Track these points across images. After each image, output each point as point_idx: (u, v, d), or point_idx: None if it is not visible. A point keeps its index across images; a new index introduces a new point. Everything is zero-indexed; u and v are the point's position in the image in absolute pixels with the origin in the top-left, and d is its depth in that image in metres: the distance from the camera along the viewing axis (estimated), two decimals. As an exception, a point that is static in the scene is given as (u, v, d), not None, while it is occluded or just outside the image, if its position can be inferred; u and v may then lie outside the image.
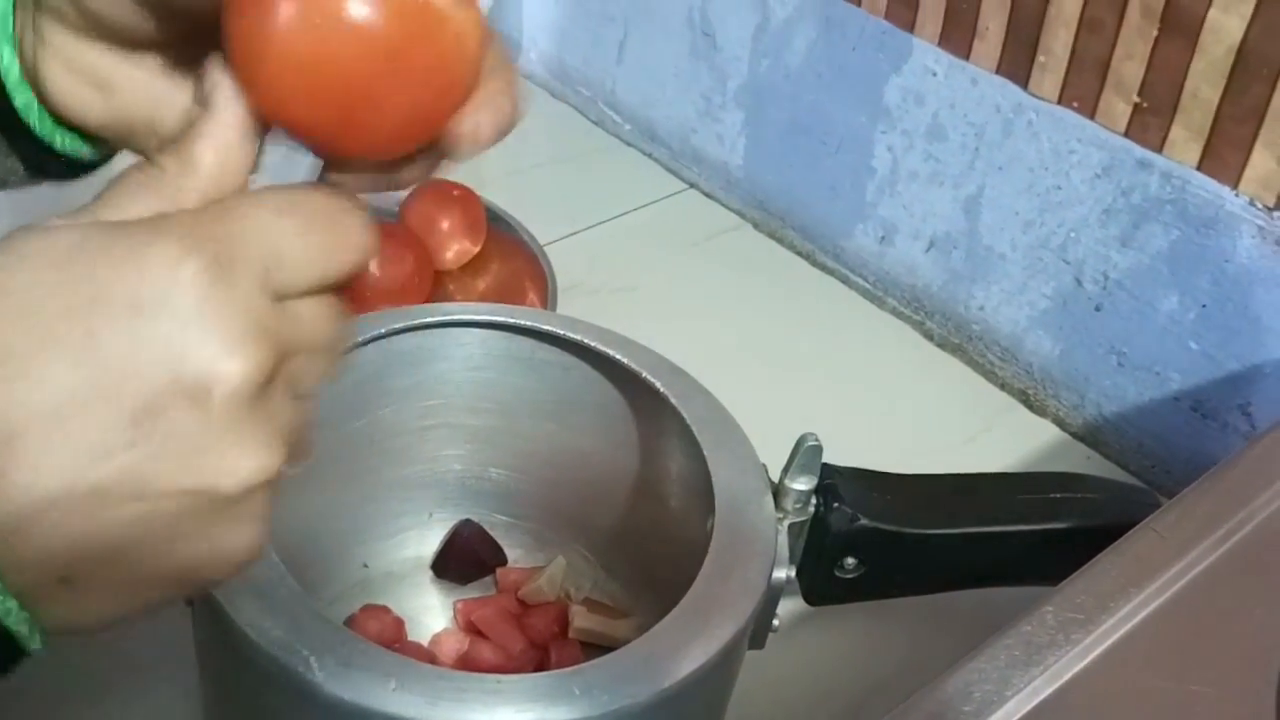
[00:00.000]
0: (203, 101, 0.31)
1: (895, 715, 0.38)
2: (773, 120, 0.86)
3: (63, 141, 0.38)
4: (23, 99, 0.36)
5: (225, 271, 0.28)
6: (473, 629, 0.57)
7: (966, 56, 0.73)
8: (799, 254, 0.88)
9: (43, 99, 0.37)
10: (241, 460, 0.28)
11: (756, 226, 0.90)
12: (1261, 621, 0.43)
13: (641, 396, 0.53)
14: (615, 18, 0.94)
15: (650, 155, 0.96)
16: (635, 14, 0.92)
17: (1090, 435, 0.75)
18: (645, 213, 0.91)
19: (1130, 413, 0.73)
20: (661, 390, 0.51)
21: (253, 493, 0.29)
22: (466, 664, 0.55)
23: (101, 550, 0.28)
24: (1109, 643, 0.41)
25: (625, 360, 0.52)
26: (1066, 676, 0.40)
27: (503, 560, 0.60)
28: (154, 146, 0.35)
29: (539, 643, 0.56)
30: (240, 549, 0.29)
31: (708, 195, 0.93)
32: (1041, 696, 0.39)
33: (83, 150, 0.38)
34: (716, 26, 0.87)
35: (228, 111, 0.31)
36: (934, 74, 0.75)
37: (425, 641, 0.56)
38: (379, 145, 0.31)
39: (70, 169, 0.39)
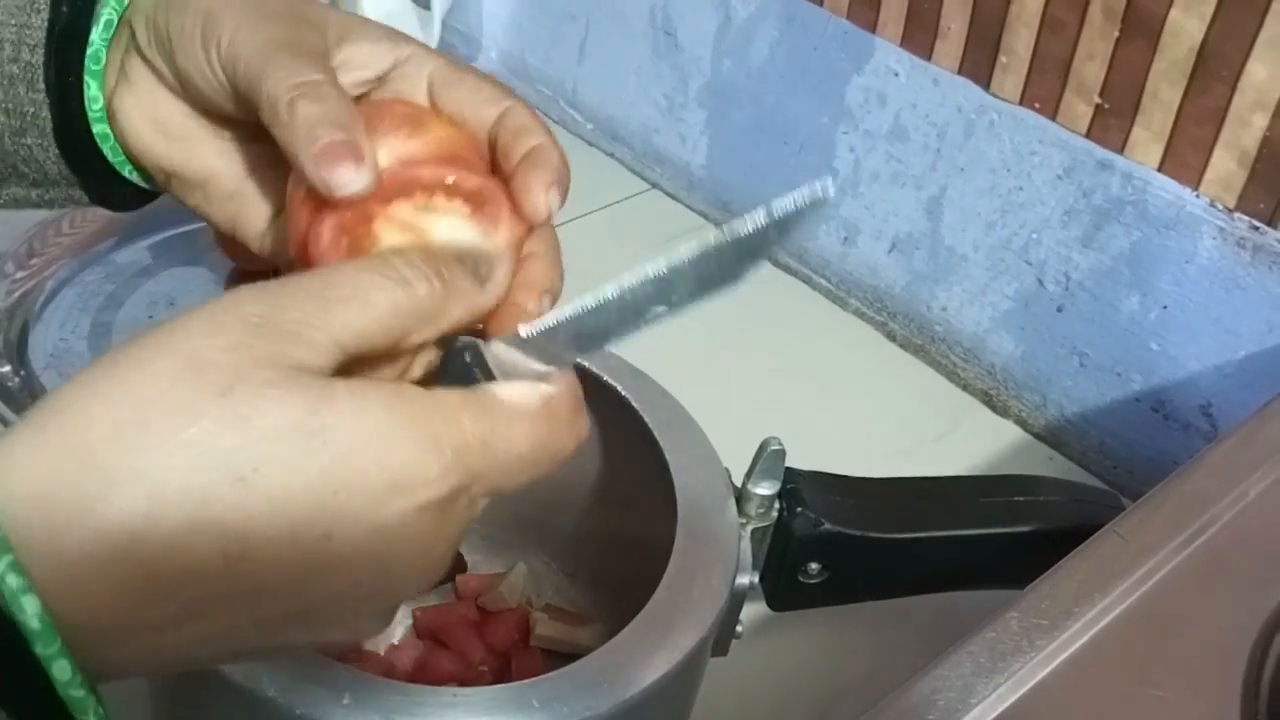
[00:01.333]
0: (477, 272, 0.34)
1: (860, 724, 0.37)
2: (735, 120, 0.86)
3: (130, 172, 0.40)
4: (100, 128, 0.39)
5: (458, 496, 0.30)
6: (431, 637, 0.56)
7: (928, 57, 0.72)
8: (762, 255, 0.87)
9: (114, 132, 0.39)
10: (429, 583, 0.32)
11: (719, 227, 0.90)
12: (1225, 625, 0.42)
13: (603, 400, 0.52)
14: (576, 16, 0.93)
15: (612, 155, 0.95)
16: (596, 12, 0.92)
17: (1052, 436, 0.75)
18: (607, 213, 0.90)
19: (1092, 413, 0.73)
20: (623, 394, 0.51)
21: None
22: (425, 673, 0.54)
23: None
24: (1073, 648, 0.41)
25: (585, 363, 0.52)
26: (1031, 683, 0.39)
27: (462, 567, 0.59)
28: (196, 203, 0.40)
29: (499, 651, 0.56)
30: (373, 631, 0.32)
31: (670, 195, 0.92)
32: (1006, 703, 0.39)
33: (146, 183, 0.41)
34: (678, 26, 0.86)
35: (491, 300, 0.34)
36: (896, 74, 0.75)
37: (381, 651, 0.55)
38: None
39: (127, 200, 0.42)
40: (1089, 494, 0.57)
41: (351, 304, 0.29)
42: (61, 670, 0.26)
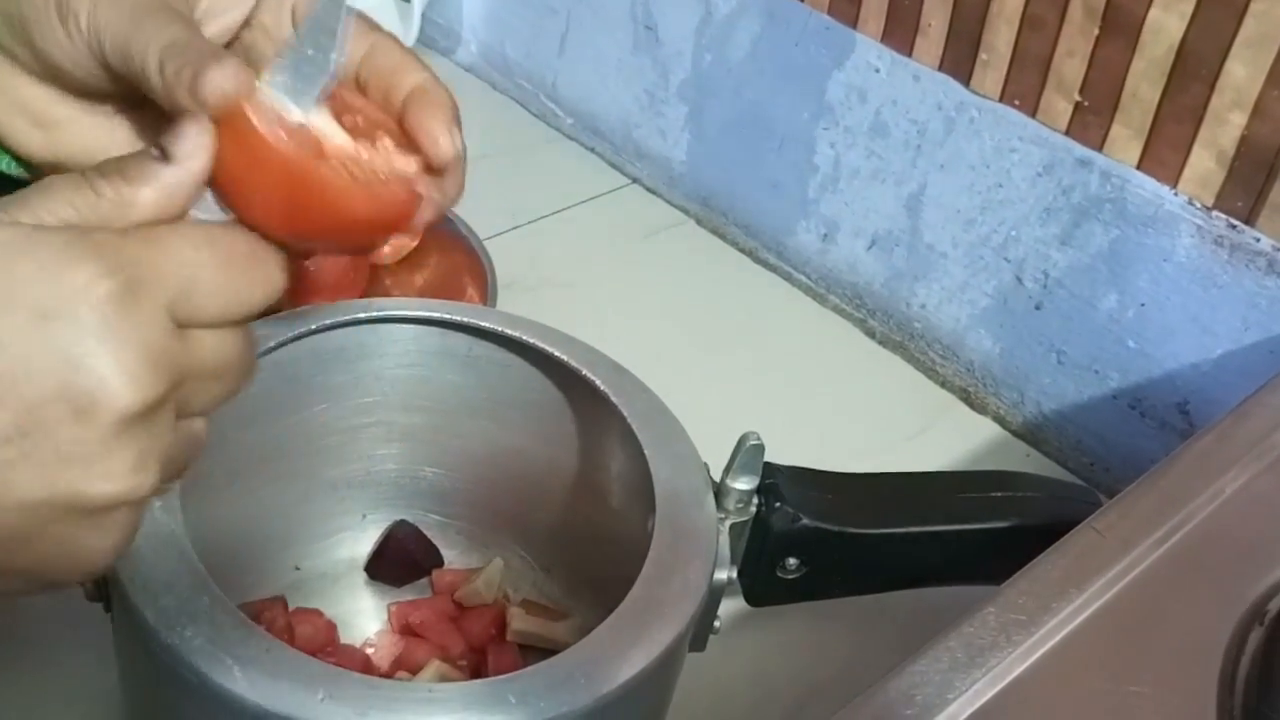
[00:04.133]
0: (165, 150, 0.32)
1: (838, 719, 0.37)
2: (715, 115, 0.85)
3: (5, 163, 0.39)
4: None
5: (135, 297, 0.29)
6: (408, 632, 0.56)
7: (909, 53, 0.72)
8: (741, 251, 0.87)
9: None
10: (111, 479, 0.29)
11: (699, 223, 0.90)
12: (1201, 621, 0.42)
13: (581, 394, 0.52)
14: (557, 10, 0.93)
15: (592, 149, 0.95)
16: (577, 6, 0.91)
17: (1030, 433, 0.75)
18: (587, 208, 0.90)
19: (1069, 411, 0.73)
20: (601, 388, 0.50)
21: (117, 509, 0.29)
22: (402, 667, 0.54)
23: None
24: (1051, 644, 0.41)
25: (564, 357, 0.51)
26: (1008, 679, 0.39)
27: (439, 561, 0.58)
28: None
29: (476, 646, 0.55)
30: (94, 558, 0.30)
31: (650, 191, 0.92)
32: (984, 699, 0.39)
33: (22, 173, 0.39)
34: (659, 20, 0.86)
35: (186, 169, 0.32)
36: (876, 70, 0.74)
37: (358, 644, 0.55)
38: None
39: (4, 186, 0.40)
40: (1067, 490, 0.57)
41: (39, 193, 0.30)
42: None
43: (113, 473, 0.29)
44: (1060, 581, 0.43)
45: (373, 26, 0.39)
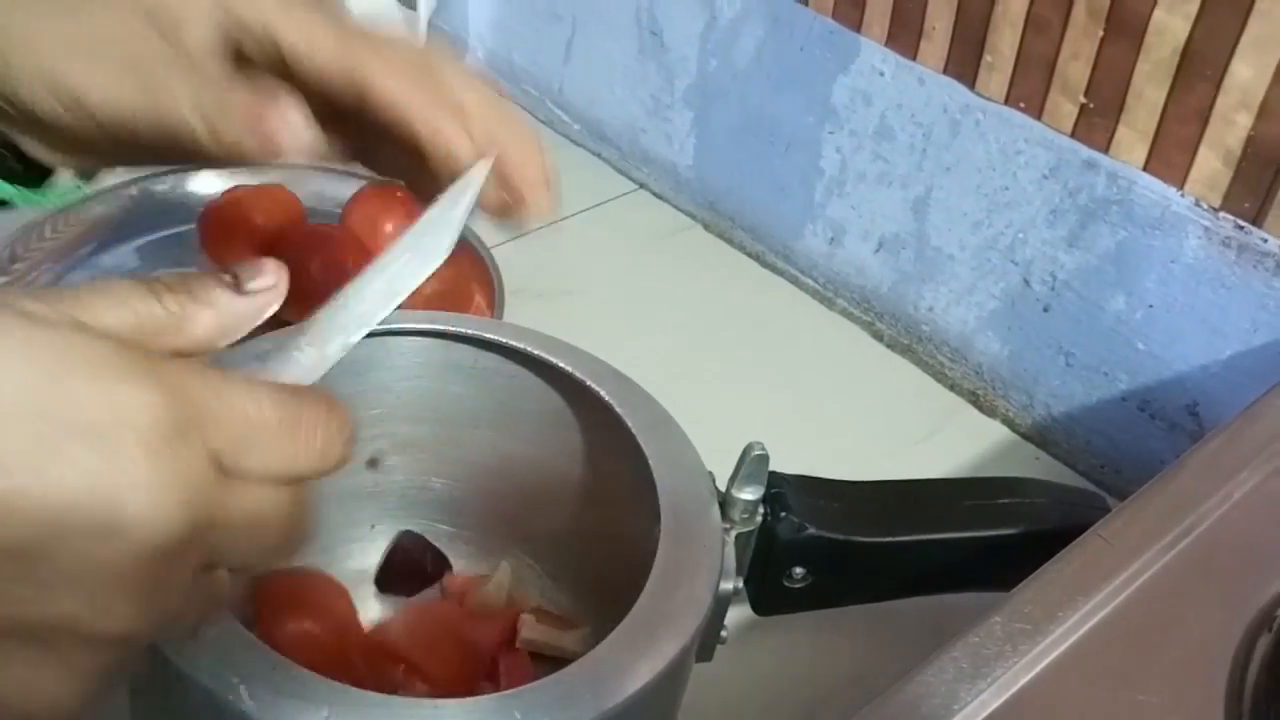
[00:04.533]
0: (238, 279, 0.32)
1: (842, 733, 0.37)
2: (721, 120, 0.85)
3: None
4: None
5: (184, 434, 0.27)
6: (421, 633, 0.56)
7: (914, 57, 0.72)
8: (749, 255, 0.87)
9: None
10: (116, 612, 0.27)
11: (706, 227, 0.90)
12: (1209, 629, 0.42)
13: (586, 405, 0.52)
14: (562, 16, 0.93)
15: (599, 155, 0.95)
16: (582, 12, 0.91)
17: (1039, 435, 0.75)
18: (594, 214, 0.90)
19: (1078, 413, 0.73)
20: (606, 398, 0.50)
21: (106, 648, 0.27)
22: (414, 671, 0.54)
23: None
24: (1057, 653, 0.41)
25: (569, 368, 0.51)
26: (1014, 689, 0.39)
27: (448, 567, 0.58)
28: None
29: (488, 653, 0.55)
30: (55, 700, 0.27)
31: (657, 196, 0.92)
32: (990, 709, 0.39)
33: (12, 197, 0.40)
34: (664, 25, 0.86)
35: (254, 304, 0.32)
36: (881, 74, 0.74)
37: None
38: None
39: None
40: (1074, 496, 0.57)
41: (101, 296, 0.29)
42: None
43: (119, 606, 0.27)
44: (1067, 590, 0.43)
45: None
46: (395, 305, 0.36)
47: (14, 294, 0.28)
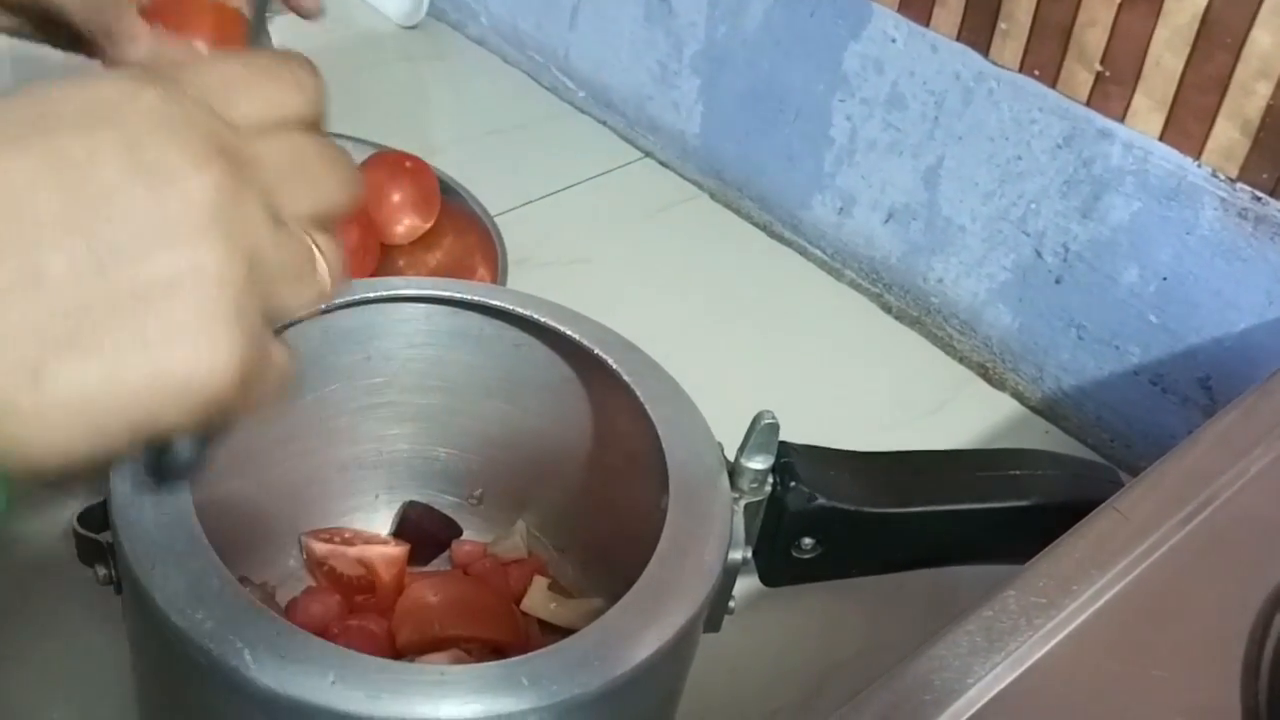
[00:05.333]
0: None
1: (855, 705, 0.36)
2: (730, 88, 0.84)
3: None
4: None
5: (178, 95, 0.27)
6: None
7: (927, 23, 0.71)
8: (756, 225, 0.86)
9: None
10: (208, 254, 0.26)
11: (713, 196, 0.89)
12: (1225, 603, 0.42)
13: (593, 373, 0.51)
14: (568, -19, 0.92)
15: (605, 123, 0.94)
16: (589, -22, 0.90)
17: (1049, 409, 0.74)
18: (599, 182, 0.89)
19: (1089, 386, 0.72)
20: (614, 366, 0.50)
21: (215, 290, 0.26)
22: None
23: (50, 339, 0.25)
24: (1072, 627, 0.40)
25: (576, 336, 0.51)
26: (1029, 662, 0.39)
27: (457, 532, 0.58)
28: None
29: (518, 598, 0.55)
30: (193, 360, 0.26)
31: (663, 164, 0.91)
32: (1004, 683, 0.38)
33: None
34: (672, -9, 0.85)
35: None
36: (893, 41, 0.73)
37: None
38: None
39: None
40: (1087, 468, 0.56)
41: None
42: None
43: (211, 249, 0.26)
44: (1081, 563, 0.42)
45: None
46: None
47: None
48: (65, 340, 0.25)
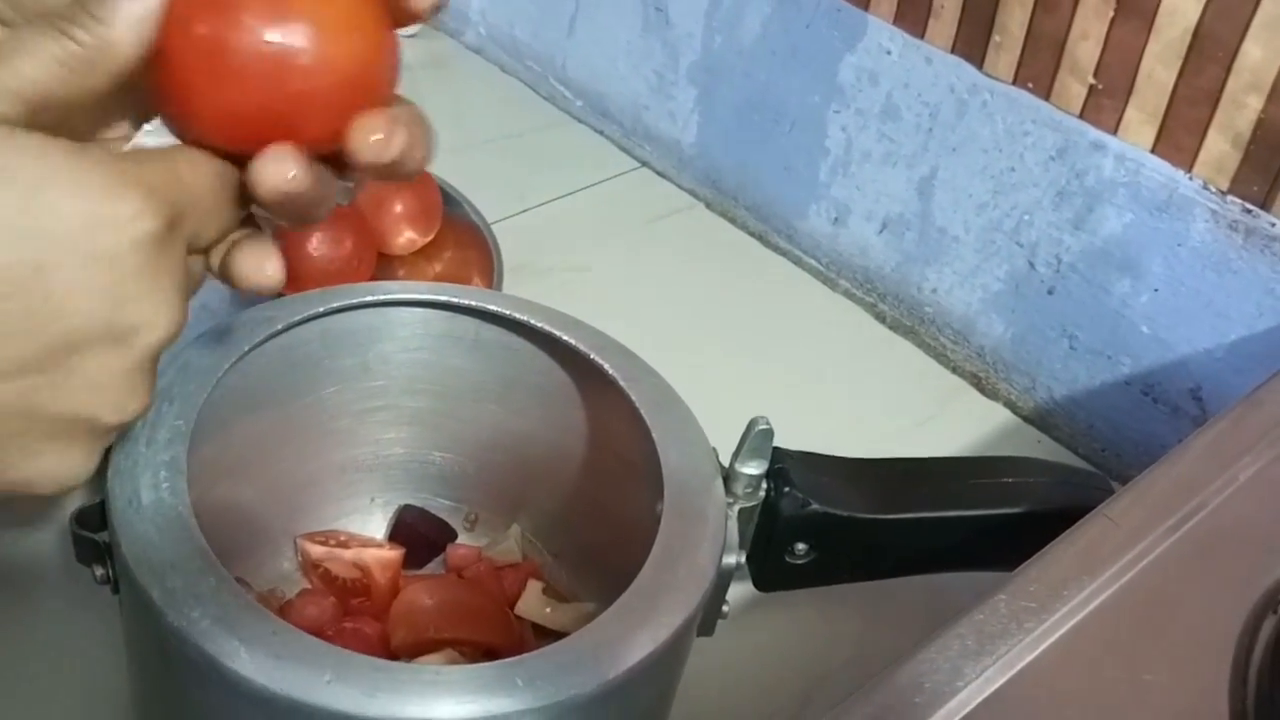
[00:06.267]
0: None
1: (845, 707, 0.37)
2: (726, 98, 0.85)
3: None
4: None
5: (171, 235, 0.30)
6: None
7: (921, 35, 0.72)
8: (751, 234, 0.87)
9: None
10: (132, 404, 0.31)
11: (709, 206, 0.89)
12: (1214, 609, 0.42)
13: (589, 378, 0.52)
14: (566, -9, 0.92)
15: (601, 132, 0.95)
16: (587, -12, 0.91)
17: (1041, 419, 0.75)
18: (596, 191, 0.90)
19: (1081, 396, 0.72)
20: (609, 372, 0.50)
21: (111, 431, 0.31)
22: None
23: None
24: (1062, 631, 0.40)
25: (571, 341, 0.51)
26: (1019, 666, 0.39)
27: (452, 536, 0.58)
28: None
29: (512, 602, 0.56)
30: (77, 473, 0.32)
31: (659, 174, 0.92)
32: (994, 686, 0.38)
33: None
34: (669, 1, 0.85)
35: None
36: (888, 53, 0.74)
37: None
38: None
39: None
40: (1078, 476, 0.57)
41: (20, 55, 0.30)
42: None
43: (134, 399, 0.31)
44: (1072, 569, 0.42)
45: None
46: None
47: None
48: None
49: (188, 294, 0.31)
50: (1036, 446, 0.74)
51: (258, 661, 0.36)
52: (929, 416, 0.74)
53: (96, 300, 0.29)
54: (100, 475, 0.41)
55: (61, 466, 0.31)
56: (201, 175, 0.32)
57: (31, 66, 0.30)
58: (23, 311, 0.28)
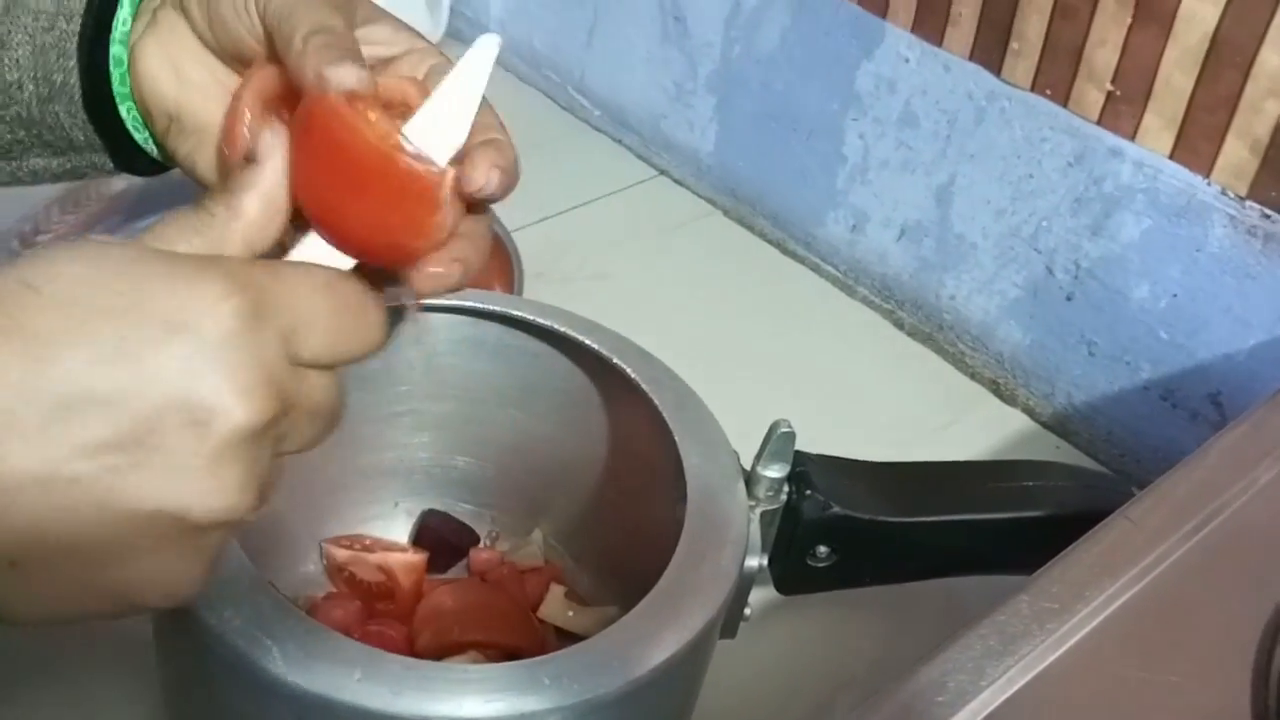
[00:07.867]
0: (252, 157, 0.34)
1: (869, 706, 0.37)
2: (744, 107, 0.85)
3: (140, 130, 0.43)
4: (121, 89, 0.42)
5: (258, 318, 0.30)
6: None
7: (939, 43, 0.72)
8: (770, 242, 0.87)
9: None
10: (219, 495, 0.29)
11: (727, 214, 0.90)
12: (1235, 611, 0.42)
13: (611, 382, 0.52)
14: (584, 1, 0.93)
15: (620, 141, 0.95)
16: (605, -2, 0.91)
17: (1060, 425, 0.75)
18: (615, 200, 0.90)
19: (1100, 402, 0.73)
20: (632, 376, 0.50)
21: (215, 529, 0.30)
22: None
23: (57, 544, 0.28)
24: (1084, 632, 0.41)
25: (594, 345, 0.52)
26: (1041, 666, 0.39)
27: (475, 539, 0.59)
28: (188, 151, 0.42)
29: (535, 605, 0.56)
30: (183, 581, 0.30)
31: (678, 182, 0.92)
32: (1016, 687, 0.39)
33: (152, 139, 0.43)
34: (687, 11, 0.86)
35: (272, 166, 0.34)
36: (906, 60, 0.74)
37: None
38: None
39: (149, 164, 0.45)
40: (1099, 480, 0.57)
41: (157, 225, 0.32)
42: None
43: (220, 490, 0.29)
44: (1093, 570, 0.43)
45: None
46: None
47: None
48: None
49: (273, 388, 0.30)
50: (1055, 453, 0.74)
51: (289, 659, 0.37)
52: (948, 423, 0.75)
53: (173, 371, 0.28)
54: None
55: (162, 570, 0.29)
56: (317, 290, 0.32)
57: (173, 234, 0.32)
58: (105, 383, 0.28)
